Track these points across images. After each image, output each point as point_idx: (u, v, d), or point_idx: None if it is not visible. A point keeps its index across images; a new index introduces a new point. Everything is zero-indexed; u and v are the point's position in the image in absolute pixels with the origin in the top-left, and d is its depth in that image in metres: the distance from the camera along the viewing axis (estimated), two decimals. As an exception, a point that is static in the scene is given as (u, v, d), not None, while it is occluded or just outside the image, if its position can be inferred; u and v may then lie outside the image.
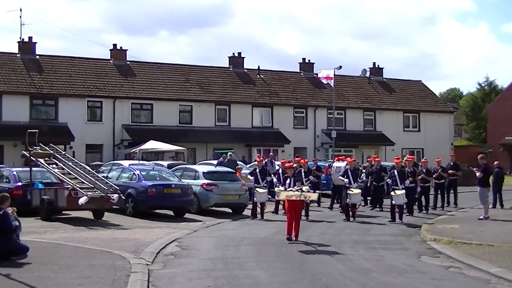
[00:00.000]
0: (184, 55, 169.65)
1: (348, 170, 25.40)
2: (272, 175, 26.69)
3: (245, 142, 52.18)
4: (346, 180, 25.22)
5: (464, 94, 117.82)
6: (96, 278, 12.66)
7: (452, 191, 30.99)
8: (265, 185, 26.06)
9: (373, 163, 30.61)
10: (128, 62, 53.72)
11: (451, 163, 31.48)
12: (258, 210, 25.65)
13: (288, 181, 20.26)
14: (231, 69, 57.62)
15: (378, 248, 18.01)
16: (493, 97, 78.75)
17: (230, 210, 27.55)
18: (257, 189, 25.33)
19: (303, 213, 22.52)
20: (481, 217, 24.27)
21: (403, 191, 24.40)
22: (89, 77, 50.21)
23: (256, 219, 25.04)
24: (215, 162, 35.17)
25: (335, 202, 29.66)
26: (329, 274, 13.88)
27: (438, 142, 60.46)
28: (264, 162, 34.78)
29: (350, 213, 24.93)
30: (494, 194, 29.19)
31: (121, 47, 54.04)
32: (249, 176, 26.93)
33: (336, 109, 51.09)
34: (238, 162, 36.05)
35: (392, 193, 24.37)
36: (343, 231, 21.87)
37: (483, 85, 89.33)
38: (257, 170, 26.22)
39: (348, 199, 24.84)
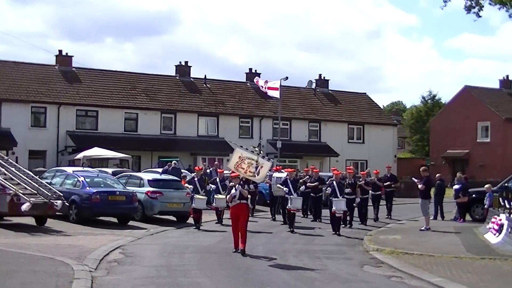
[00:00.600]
0: (130, 63, 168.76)
1: (288, 180, 25.10)
2: (210, 183, 26.81)
3: (190, 151, 52.06)
4: (285, 189, 24.90)
5: (407, 107, 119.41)
6: (39, 284, 12.51)
7: (387, 203, 31.21)
8: (203, 194, 25.35)
9: (310, 173, 30.30)
10: (73, 69, 53.20)
11: (388, 175, 31.75)
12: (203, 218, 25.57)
13: (233, 190, 18.65)
14: (177, 77, 57.49)
15: (322, 257, 18.15)
16: (436, 111, 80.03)
17: (174, 218, 27.45)
18: (196, 196, 24.79)
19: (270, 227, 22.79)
20: (422, 228, 24.64)
21: (344, 199, 24.15)
22: (33, 82, 49.59)
23: (199, 229, 24.48)
24: (160, 170, 35.06)
25: (278, 213, 29.31)
26: (273, 283, 13.94)
27: (382, 154, 61.17)
28: (209, 170, 34.89)
29: (290, 220, 24.74)
30: (436, 205, 29.69)
31: (66, 53, 53.49)
32: (186, 185, 26.60)
33: (281, 120, 51.34)
34: (183, 171, 35.99)
35: (334, 199, 23.90)
36: (287, 240, 21.98)
37: (426, 98, 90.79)
38: (196, 179, 25.46)
39: (289, 204, 24.38)
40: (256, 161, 18.44)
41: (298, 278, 14.59)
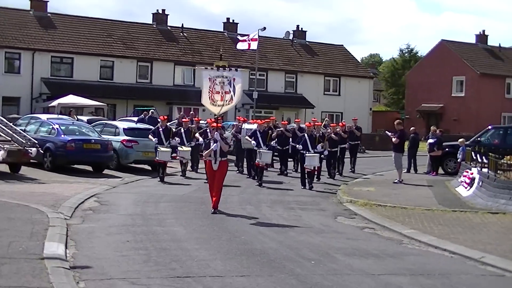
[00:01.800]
0: (106, 9, 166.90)
1: (257, 132, 24.06)
2: (173, 136, 24.98)
3: (166, 100, 51.92)
4: (253, 142, 23.90)
5: (384, 60, 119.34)
6: (14, 231, 12.51)
7: (351, 156, 30.18)
8: (168, 145, 24.11)
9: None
10: (49, 14, 52.56)
11: (353, 127, 30.17)
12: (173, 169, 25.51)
13: (212, 144, 16.81)
14: (154, 26, 57.00)
15: (296, 208, 18.31)
16: (413, 64, 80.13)
17: (149, 167, 27.43)
18: (160, 147, 23.57)
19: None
20: (395, 180, 24.87)
21: (317, 154, 23.05)
22: (7, 27, 48.94)
23: (162, 181, 23.34)
24: (135, 118, 34.95)
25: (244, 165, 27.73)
26: (247, 232, 14.07)
27: (357, 107, 61.35)
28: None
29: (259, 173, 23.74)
30: (409, 159, 29.95)
31: (42, -2, 52.70)
32: (150, 136, 24.51)
33: (258, 70, 51.16)
34: (159, 120, 35.89)
35: (307, 154, 22.70)
36: (261, 191, 22.10)
37: (404, 52, 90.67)
38: (160, 129, 24.18)
39: (258, 158, 23.43)
40: (227, 77, 17.42)
41: (272, 229, 14.72)
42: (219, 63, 17.88)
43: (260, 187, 23.06)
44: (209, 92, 17.41)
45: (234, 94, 17.40)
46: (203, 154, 17.44)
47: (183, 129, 26.05)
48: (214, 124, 17.79)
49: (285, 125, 28.79)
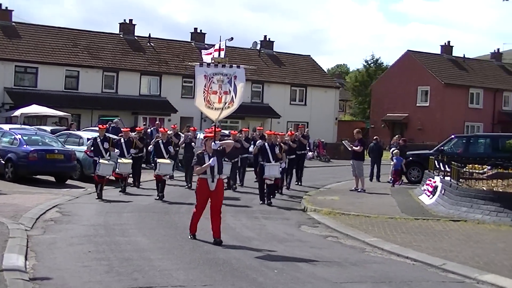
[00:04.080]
0: (71, 18, 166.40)
1: (266, 145, 21.94)
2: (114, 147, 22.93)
3: (132, 110, 51.62)
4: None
5: (351, 70, 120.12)
6: (-27, 242, 12.37)
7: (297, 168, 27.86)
8: (109, 158, 21.95)
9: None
10: (13, 23, 51.99)
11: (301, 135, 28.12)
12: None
13: (207, 159, 13.98)
14: (121, 35, 56.72)
15: (260, 217, 18.32)
16: (379, 74, 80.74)
17: (113, 178, 27.17)
18: (101, 160, 21.47)
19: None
20: (358, 189, 25.01)
21: (278, 164, 21.63)
22: (-30, 37, 48.40)
23: (100, 198, 21.08)
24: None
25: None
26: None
27: (323, 117, 61.69)
28: (149, 130, 34.75)
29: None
30: (372, 167, 30.23)
31: (6, 7, 52.16)
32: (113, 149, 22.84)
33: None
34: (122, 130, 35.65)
35: (267, 164, 21.24)
36: (224, 201, 21.96)
37: (369, 62, 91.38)
38: (98, 140, 22.09)
39: (267, 173, 21.28)
40: (226, 75, 14.92)
41: (235, 237, 14.71)
42: (218, 59, 15.55)
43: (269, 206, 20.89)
44: (204, 92, 14.74)
45: (235, 95, 14.83)
46: (195, 171, 14.35)
47: (123, 139, 23.86)
48: (210, 134, 15.01)
49: (245, 132, 27.95)
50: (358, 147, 25.39)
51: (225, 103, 14.69)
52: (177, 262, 11.88)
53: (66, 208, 18.57)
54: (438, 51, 72.52)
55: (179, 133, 27.76)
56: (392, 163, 28.74)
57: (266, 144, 21.83)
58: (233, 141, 15.98)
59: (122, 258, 12.01)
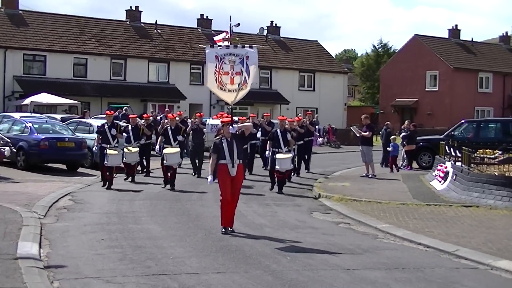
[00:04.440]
0: (77, 6, 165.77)
1: (278, 131, 21.25)
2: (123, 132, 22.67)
3: (141, 97, 51.69)
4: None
5: (358, 55, 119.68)
6: (-13, 231, 12.42)
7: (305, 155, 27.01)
8: (116, 145, 21.43)
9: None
10: (20, 11, 52.02)
11: (308, 121, 27.58)
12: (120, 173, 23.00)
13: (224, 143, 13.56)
14: (128, 22, 56.66)
15: (271, 204, 18.32)
16: (386, 59, 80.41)
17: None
18: (108, 150, 20.83)
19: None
20: (368, 175, 24.98)
21: (290, 155, 21.06)
22: (-23, 25, 48.45)
23: (109, 188, 20.58)
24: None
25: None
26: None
27: (332, 102, 61.66)
28: (159, 117, 34.72)
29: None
30: (384, 153, 30.17)
31: (13, -4, 52.18)
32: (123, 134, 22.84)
33: (233, 67, 50.89)
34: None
35: (278, 156, 20.50)
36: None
37: (377, 47, 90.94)
38: (106, 126, 21.48)
39: (278, 165, 20.49)
40: (238, 55, 14.35)
41: (247, 225, 14.72)
42: (230, 39, 15.04)
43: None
44: (215, 73, 14.35)
45: (248, 76, 14.39)
46: (210, 163, 13.69)
47: (131, 126, 23.58)
48: (226, 119, 14.30)
49: (253, 117, 27.92)
50: (367, 133, 25.31)
51: (239, 84, 14.27)
52: (189, 250, 11.89)
53: (79, 196, 18.64)
54: (445, 35, 72.26)
55: (185, 119, 27.58)
56: (389, 149, 28.61)
57: (278, 130, 21.18)
58: (251, 123, 15.47)
59: (135, 246, 12.04)
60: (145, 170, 24.89)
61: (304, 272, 10.43)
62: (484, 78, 67.22)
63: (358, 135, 25.94)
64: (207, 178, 13.83)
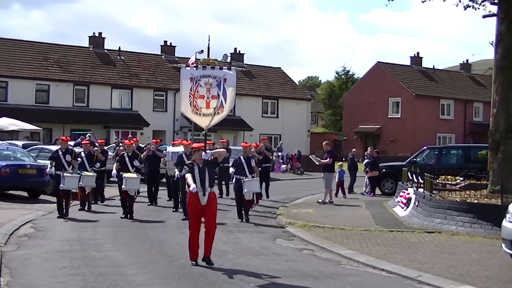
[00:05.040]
0: (39, 31, 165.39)
1: (183, 155, 20.55)
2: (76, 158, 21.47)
3: (104, 124, 51.49)
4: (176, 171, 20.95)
5: (322, 82, 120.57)
6: None
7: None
8: (71, 171, 20.79)
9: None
10: (-18, 37, 51.70)
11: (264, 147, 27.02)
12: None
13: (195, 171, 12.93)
14: (91, 49, 56.53)
15: (234, 231, 18.26)
16: (350, 85, 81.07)
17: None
18: (65, 173, 20.36)
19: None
20: (326, 201, 25.07)
21: (257, 179, 20.72)
22: None
23: (64, 217, 20.02)
24: (72, 143, 34.49)
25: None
26: (186, 256, 13.86)
27: (295, 129, 61.98)
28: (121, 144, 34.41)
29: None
30: (351, 180, 30.39)
31: (-27, 21, 51.88)
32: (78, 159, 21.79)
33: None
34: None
35: (245, 179, 20.10)
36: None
37: (340, 73, 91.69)
38: (60, 153, 20.84)
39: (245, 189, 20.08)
40: (215, 77, 13.51)
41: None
42: (206, 60, 13.80)
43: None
44: (190, 96, 13.49)
45: (224, 100, 13.49)
46: (186, 179, 12.99)
47: (84, 153, 22.76)
48: (196, 145, 13.76)
49: (223, 143, 27.62)
50: (327, 160, 25.41)
51: (214, 109, 13.37)
52: (152, 277, 11.78)
53: (40, 223, 18.43)
54: (407, 61, 73.08)
55: (141, 146, 27.04)
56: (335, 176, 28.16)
57: (241, 157, 20.49)
58: (224, 150, 14.89)
59: (97, 273, 11.90)
60: (99, 197, 24.26)
61: (267, 299, 10.40)
62: (446, 105, 68.08)
63: (317, 163, 26.06)
64: (190, 187, 12.59)
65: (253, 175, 20.46)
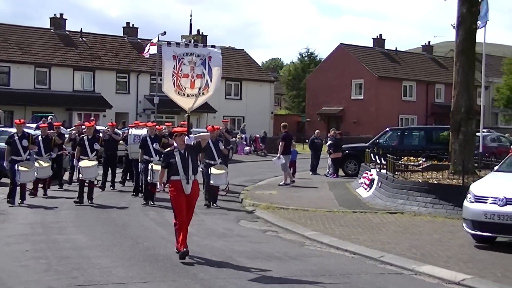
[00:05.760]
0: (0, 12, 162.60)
1: (148, 138, 20.27)
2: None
3: (66, 106, 50.98)
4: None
5: (285, 64, 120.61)
6: None
7: None
8: (28, 157, 19.90)
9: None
10: None
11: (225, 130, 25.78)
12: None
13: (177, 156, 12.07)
14: (52, 30, 55.86)
15: (198, 213, 18.11)
16: (313, 67, 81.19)
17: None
18: (20, 167, 19.17)
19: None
20: (288, 182, 25.18)
21: (224, 170, 19.76)
22: None
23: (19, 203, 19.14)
24: (33, 125, 34.14)
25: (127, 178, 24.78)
26: (150, 238, 13.97)
27: (259, 111, 61.96)
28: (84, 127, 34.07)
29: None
30: (312, 161, 30.49)
31: None
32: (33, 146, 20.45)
33: (159, 75, 50.30)
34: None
35: (213, 171, 19.35)
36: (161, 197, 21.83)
37: (303, 55, 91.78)
38: (16, 137, 19.65)
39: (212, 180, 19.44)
40: (199, 55, 12.74)
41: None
42: (189, 36, 13.10)
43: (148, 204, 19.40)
44: (173, 75, 12.62)
45: (210, 80, 12.75)
46: (159, 176, 12.74)
47: (41, 137, 21.57)
48: (178, 129, 12.77)
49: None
50: (281, 143, 25.59)
51: (199, 89, 12.59)
52: (116, 260, 11.76)
53: (1, 207, 18.28)
54: (370, 44, 73.33)
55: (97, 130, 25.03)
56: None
57: (210, 141, 18.61)
58: (208, 133, 14.14)
59: (61, 257, 11.85)
60: (59, 182, 23.55)
61: (231, 280, 10.42)
62: (408, 86, 68.60)
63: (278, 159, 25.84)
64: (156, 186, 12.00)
65: (221, 160, 19.88)
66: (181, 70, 12.50)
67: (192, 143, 12.09)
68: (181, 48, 12.66)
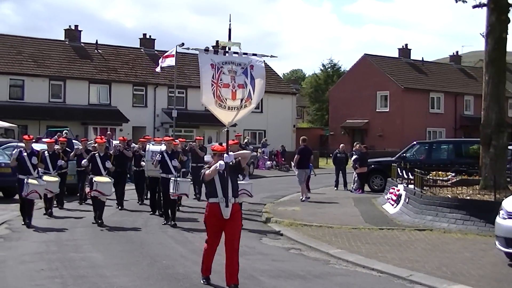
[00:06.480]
0: (11, 24, 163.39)
1: (165, 154, 19.15)
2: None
3: (81, 120, 50.31)
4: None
5: (307, 75, 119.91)
6: None
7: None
8: (37, 175, 18.59)
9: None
10: (-47, 32, 50.73)
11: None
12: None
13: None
14: (67, 42, 55.44)
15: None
16: (336, 79, 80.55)
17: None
18: (30, 180, 17.90)
19: None
20: (302, 198, 24.80)
21: (188, 180, 19.69)
22: None
23: (28, 226, 17.82)
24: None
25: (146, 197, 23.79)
26: (169, 256, 13.68)
27: (280, 124, 61.35)
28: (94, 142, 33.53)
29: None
30: (337, 175, 30.10)
31: None
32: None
33: (177, 88, 49.35)
34: (74, 141, 34.62)
35: (178, 179, 18.45)
36: (182, 214, 21.38)
37: (326, 66, 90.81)
38: (24, 153, 18.46)
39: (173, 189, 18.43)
40: (240, 64, 11.42)
41: (194, 251, 14.23)
42: (228, 43, 11.54)
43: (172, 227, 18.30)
44: (212, 85, 11.18)
45: (253, 91, 11.45)
46: (206, 175, 10.95)
47: (48, 153, 20.85)
48: (217, 147, 11.52)
49: (200, 140, 25.97)
50: (296, 157, 25.31)
51: (242, 100, 11.27)
52: (134, 279, 11.43)
53: (16, 224, 18.05)
54: (395, 53, 72.60)
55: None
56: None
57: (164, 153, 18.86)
58: (249, 152, 12.58)
59: (77, 276, 11.57)
60: (60, 203, 22.32)
61: (254, 302, 9.99)
62: (436, 98, 67.43)
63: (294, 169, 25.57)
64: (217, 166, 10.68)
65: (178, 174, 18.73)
66: (221, 80, 11.15)
67: (231, 162, 10.88)
68: (219, 56, 11.32)
